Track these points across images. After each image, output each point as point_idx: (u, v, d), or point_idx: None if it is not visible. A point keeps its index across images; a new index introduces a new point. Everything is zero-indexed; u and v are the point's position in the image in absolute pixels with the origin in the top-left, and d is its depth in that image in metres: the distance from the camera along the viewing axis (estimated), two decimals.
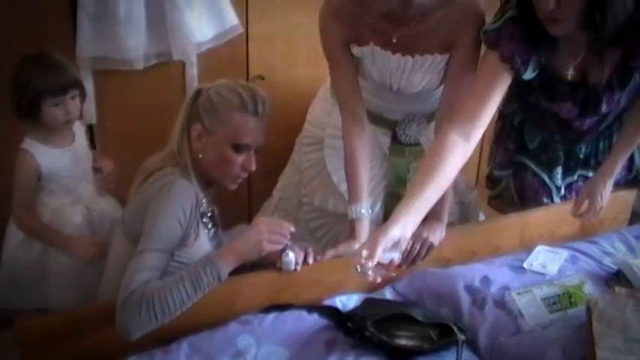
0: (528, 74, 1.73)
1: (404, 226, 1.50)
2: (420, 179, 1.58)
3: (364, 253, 1.45)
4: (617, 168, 2.01)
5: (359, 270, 1.46)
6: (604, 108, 1.89)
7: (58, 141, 2.07)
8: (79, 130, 2.16)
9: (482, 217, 2.49)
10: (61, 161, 2.05)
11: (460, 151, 1.62)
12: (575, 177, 2.17)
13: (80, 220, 2.11)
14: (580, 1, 1.52)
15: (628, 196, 2.25)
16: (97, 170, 2.15)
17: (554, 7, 1.52)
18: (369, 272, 1.46)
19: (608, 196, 2.02)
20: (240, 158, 1.68)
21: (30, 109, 1.97)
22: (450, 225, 2.03)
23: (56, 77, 1.96)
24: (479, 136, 1.66)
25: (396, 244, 1.49)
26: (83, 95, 2.08)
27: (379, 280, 1.50)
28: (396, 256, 1.51)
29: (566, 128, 2.02)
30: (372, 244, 1.46)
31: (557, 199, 2.18)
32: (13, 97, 1.98)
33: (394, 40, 1.87)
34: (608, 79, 1.79)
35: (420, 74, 1.93)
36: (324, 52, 1.99)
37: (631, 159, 2.16)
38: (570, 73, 1.80)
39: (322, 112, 2.30)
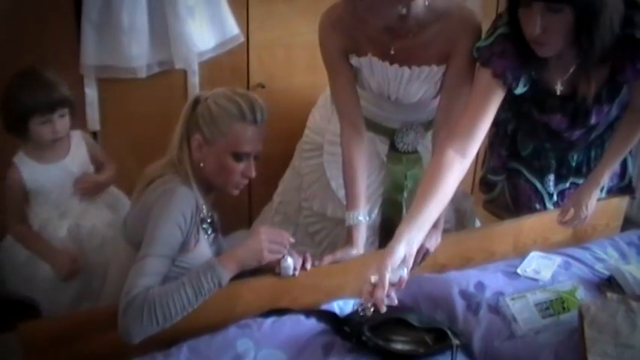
0: (520, 89, 1.77)
1: (408, 243, 1.53)
2: (421, 196, 1.61)
3: (372, 279, 1.47)
4: (604, 179, 2.02)
5: (371, 309, 1.47)
6: (593, 120, 1.91)
7: (48, 156, 2.05)
8: (79, 144, 2.14)
9: (478, 223, 2.50)
10: (48, 176, 2.04)
11: (458, 167, 1.66)
12: (568, 184, 2.19)
13: (64, 234, 2.09)
14: (566, 25, 1.55)
15: (620, 203, 2.26)
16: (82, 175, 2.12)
17: (539, 32, 1.56)
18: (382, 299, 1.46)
19: (593, 205, 2.03)
20: (240, 166, 1.69)
21: (17, 125, 1.96)
22: (446, 231, 2.06)
23: (45, 95, 1.94)
24: (475, 150, 1.70)
25: (402, 262, 1.51)
26: (74, 113, 2.05)
27: (394, 301, 1.50)
28: (404, 273, 1.53)
29: (557, 138, 2.03)
30: (379, 270, 1.47)
31: (549, 206, 2.20)
32: (2, 112, 1.97)
33: (392, 52, 1.90)
34: (597, 93, 1.81)
35: (417, 84, 1.96)
36: (323, 61, 2.01)
37: (624, 166, 2.19)
38: (559, 88, 1.82)
39: (322, 118, 2.32)
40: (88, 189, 2.13)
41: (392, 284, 1.48)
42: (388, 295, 1.46)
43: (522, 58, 1.69)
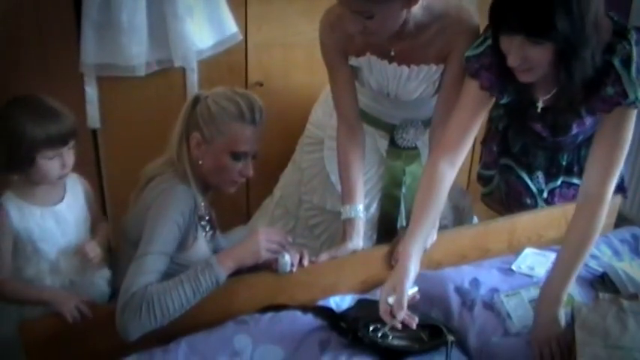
0: (505, 100, 1.79)
1: (417, 262, 1.65)
2: (420, 212, 1.73)
3: (390, 299, 1.57)
4: (561, 298, 1.70)
5: (390, 325, 1.58)
6: (574, 131, 1.92)
7: (42, 199, 1.77)
8: (74, 187, 1.86)
9: (475, 220, 2.51)
10: (41, 223, 1.75)
11: (449, 177, 1.76)
12: (559, 182, 2.19)
13: None
14: (547, 57, 1.52)
15: (613, 200, 2.18)
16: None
17: (519, 64, 1.55)
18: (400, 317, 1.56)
19: (563, 321, 1.69)
20: (238, 165, 1.71)
21: (22, 162, 1.69)
22: (443, 228, 2.09)
23: (57, 126, 1.69)
24: (463, 158, 1.78)
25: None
26: (78, 144, 1.80)
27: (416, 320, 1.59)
28: (416, 290, 1.63)
29: (544, 139, 2.04)
30: (398, 292, 1.57)
31: (540, 203, 2.21)
32: (1, 148, 1.68)
33: (392, 54, 1.91)
34: (576, 110, 1.79)
35: (415, 83, 1.97)
36: (323, 60, 2.02)
37: None
38: (540, 105, 1.79)
39: (324, 114, 2.33)
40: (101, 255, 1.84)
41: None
42: (409, 315, 1.57)
43: (508, 74, 1.65)
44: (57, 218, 1.78)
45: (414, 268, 1.63)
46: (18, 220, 1.71)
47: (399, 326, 1.57)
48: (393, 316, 1.56)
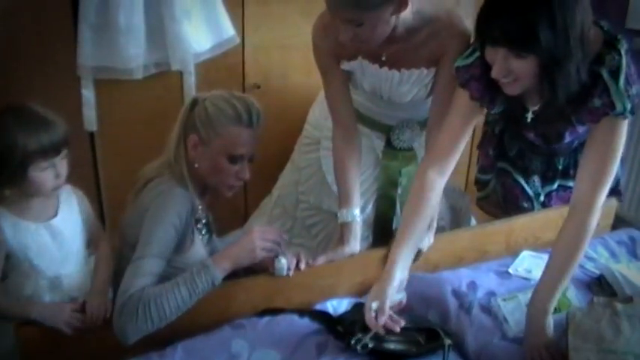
0: (496, 109, 1.79)
1: (403, 268, 1.65)
2: (409, 220, 1.74)
3: (374, 305, 1.57)
4: (548, 309, 1.69)
5: (373, 332, 1.58)
6: (567, 139, 1.92)
7: (36, 213, 1.69)
8: (68, 198, 1.78)
9: (473, 221, 2.51)
10: (36, 238, 1.68)
11: (438, 185, 1.77)
12: (555, 186, 2.18)
13: None
14: (531, 70, 1.50)
15: (611, 203, 2.24)
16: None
17: (503, 75, 1.53)
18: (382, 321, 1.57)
19: (551, 329, 1.69)
20: (234, 168, 1.71)
21: (15, 174, 1.61)
22: (441, 229, 2.09)
23: (49, 135, 1.61)
24: (453, 166, 1.78)
25: (399, 286, 1.64)
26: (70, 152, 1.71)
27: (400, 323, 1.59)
28: (403, 296, 1.64)
29: (539, 147, 2.05)
30: (380, 298, 1.58)
31: (537, 206, 2.20)
32: None
33: (383, 58, 1.92)
34: (567, 119, 1.76)
35: (407, 86, 1.97)
36: (316, 64, 2.02)
37: None
38: (530, 116, 1.77)
39: (321, 114, 2.33)
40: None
41: (391, 307, 1.59)
42: (393, 319, 1.58)
43: (497, 84, 1.62)
44: (52, 233, 1.71)
45: (398, 275, 1.63)
46: (12, 236, 1.64)
47: (382, 332, 1.57)
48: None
